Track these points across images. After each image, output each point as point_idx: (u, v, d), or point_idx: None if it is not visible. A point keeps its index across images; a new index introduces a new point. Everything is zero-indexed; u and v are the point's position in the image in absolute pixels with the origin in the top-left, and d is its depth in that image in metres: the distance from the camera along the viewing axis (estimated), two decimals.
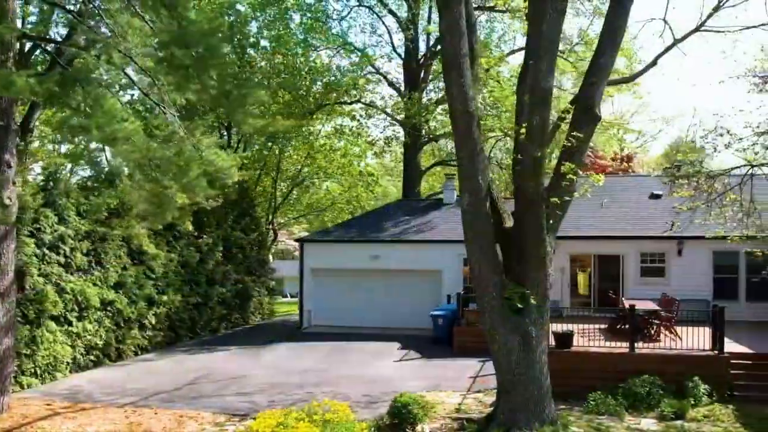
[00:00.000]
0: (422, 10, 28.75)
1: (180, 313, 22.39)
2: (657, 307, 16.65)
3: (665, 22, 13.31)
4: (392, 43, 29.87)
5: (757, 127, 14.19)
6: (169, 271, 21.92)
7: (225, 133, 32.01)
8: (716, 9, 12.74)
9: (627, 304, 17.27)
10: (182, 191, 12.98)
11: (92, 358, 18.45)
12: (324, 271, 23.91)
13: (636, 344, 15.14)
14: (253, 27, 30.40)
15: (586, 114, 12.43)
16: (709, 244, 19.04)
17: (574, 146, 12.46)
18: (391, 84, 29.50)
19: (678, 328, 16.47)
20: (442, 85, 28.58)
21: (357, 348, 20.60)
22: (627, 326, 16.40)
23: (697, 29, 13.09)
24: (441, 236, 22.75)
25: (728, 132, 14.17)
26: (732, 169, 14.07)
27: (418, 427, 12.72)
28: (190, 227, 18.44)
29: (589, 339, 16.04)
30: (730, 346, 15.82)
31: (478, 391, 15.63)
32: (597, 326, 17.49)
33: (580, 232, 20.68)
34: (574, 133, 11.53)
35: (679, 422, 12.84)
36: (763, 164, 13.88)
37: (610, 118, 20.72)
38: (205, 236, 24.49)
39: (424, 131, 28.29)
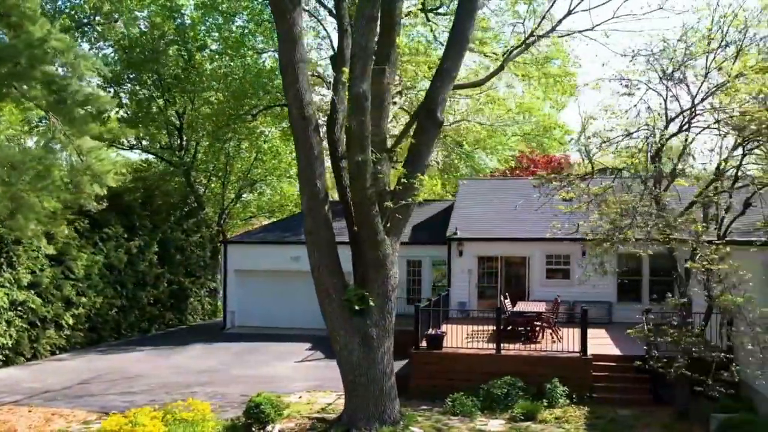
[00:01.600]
0: None
1: (103, 315, 22.73)
2: (540, 309, 16.73)
3: (522, 24, 13.40)
4: (333, 46, 29.98)
5: (625, 129, 14.26)
6: (93, 272, 22.27)
7: (177, 135, 32.43)
8: (569, 13, 12.82)
9: (508, 306, 17.41)
10: (39, 195, 13.26)
11: (1, 357, 18.84)
12: (247, 273, 24.20)
13: (516, 345, 15.30)
14: (203, 30, 30.70)
15: (428, 119, 12.61)
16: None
17: (416, 151, 12.70)
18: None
19: (568, 330, 16.55)
20: None
21: (267, 348, 20.88)
22: (512, 328, 16.55)
23: (547, 33, 13.17)
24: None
25: (595, 134, 14.26)
26: (594, 171, 14.09)
27: (269, 427, 12.93)
28: (66, 232, 18.58)
29: (472, 340, 16.13)
30: (607, 348, 15.93)
31: None
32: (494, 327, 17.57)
33: (488, 234, 20.78)
34: (411, 138, 11.70)
35: (526, 424, 12.95)
36: (626, 167, 13.94)
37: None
38: (137, 238, 24.84)
39: None
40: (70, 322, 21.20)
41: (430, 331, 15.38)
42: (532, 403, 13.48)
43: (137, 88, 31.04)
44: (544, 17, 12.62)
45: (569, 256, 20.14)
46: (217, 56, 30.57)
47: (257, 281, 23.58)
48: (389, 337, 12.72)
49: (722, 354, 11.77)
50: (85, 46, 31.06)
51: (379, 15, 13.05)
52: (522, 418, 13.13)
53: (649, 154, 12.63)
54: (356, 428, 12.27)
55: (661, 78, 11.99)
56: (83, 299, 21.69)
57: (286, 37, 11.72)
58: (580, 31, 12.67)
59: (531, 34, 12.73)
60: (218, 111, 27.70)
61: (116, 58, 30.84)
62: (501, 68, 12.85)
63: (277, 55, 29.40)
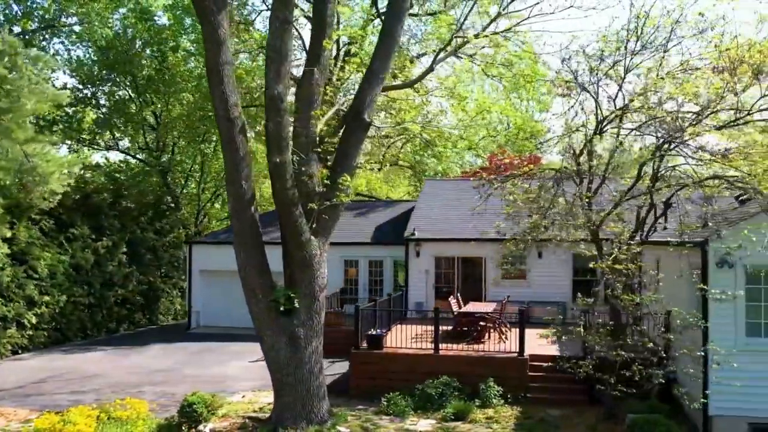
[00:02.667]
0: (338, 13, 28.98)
1: (68, 314, 22.90)
2: (488, 310, 16.78)
3: (460, 28, 13.44)
4: (305, 47, 30.02)
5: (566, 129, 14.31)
6: (57, 272, 22.44)
7: (154, 135, 32.61)
8: (497, 16, 12.87)
9: (455, 306, 17.46)
10: None
11: None
12: (211, 273, 24.33)
13: (459, 346, 15.35)
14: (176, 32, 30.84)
15: (355, 120, 12.70)
16: (569, 246, 19.06)
17: (343, 152, 12.80)
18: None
19: (517, 331, 16.58)
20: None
21: (226, 348, 21.02)
22: (459, 329, 16.62)
23: (476, 36, 13.22)
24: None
25: (532, 135, 14.32)
26: (537, 172, 14.15)
27: (201, 426, 13.03)
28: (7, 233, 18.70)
29: (419, 341, 16.18)
30: (549, 348, 15.94)
31: None
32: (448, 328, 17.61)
33: (445, 235, 20.84)
34: (330, 139, 11.77)
35: (456, 423, 13.00)
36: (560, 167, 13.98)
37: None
38: (105, 238, 25.00)
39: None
40: (33, 321, 21.36)
41: (371, 331, 15.44)
42: (465, 403, 13.54)
43: (114, 88, 31.24)
44: (461, 26, 12.64)
45: (525, 258, 20.14)
46: (191, 57, 30.77)
47: (222, 281, 23.68)
48: (317, 336, 12.82)
49: (632, 354, 11.80)
50: (59, 46, 31.32)
51: (312, 17, 13.28)
52: (453, 417, 13.18)
53: (575, 153, 12.67)
54: (282, 427, 12.37)
55: (580, 83, 12.02)
56: (46, 298, 21.85)
57: (210, 40, 11.79)
58: (501, 32, 12.70)
59: (452, 38, 12.80)
60: (190, 111, 27.85)
61: (95, 59, 31.07)
62: (431, 69, 12.91)
63: (249, 56, 29.80)
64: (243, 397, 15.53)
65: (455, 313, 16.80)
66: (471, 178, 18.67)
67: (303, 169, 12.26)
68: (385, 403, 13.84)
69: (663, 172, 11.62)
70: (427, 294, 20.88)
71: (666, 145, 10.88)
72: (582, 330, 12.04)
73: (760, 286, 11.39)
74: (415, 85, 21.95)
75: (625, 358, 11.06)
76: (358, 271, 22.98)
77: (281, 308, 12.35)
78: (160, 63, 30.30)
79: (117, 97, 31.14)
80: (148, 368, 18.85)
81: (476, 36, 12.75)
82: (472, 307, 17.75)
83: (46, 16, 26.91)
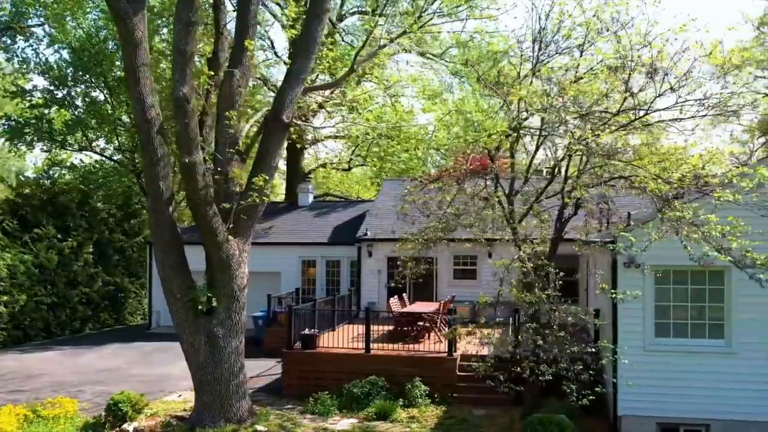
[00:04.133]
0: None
1: (30, 314, 23.06)
2: (428, 310, 16.80)
3: (373, 28, 13.42)
4: (273, 47, 30.23)
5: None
6: (18, 271, 22.60)
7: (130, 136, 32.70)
8: (417, 21, 12.91)
9: (395, 307, 17.49)
10: None
11: None
12: None
13: (395, 345, 15.37)
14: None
15: (275, 121, 12.76)
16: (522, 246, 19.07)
17: (263, 153, 12.87)
18: (273, 88, 29.89)
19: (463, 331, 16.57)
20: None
21: (177, 348, 20.92)
22: (404, 328, 16.65)
23: (392, 40, 13.24)
24: (281, 238, 23.15)
25: (458, 136, 14.35)
26: (463, 172, 14.18)
27: (125, 425, 13.12)
28: None
29: (359, 341, 16.20)
30: (481, 348, 15.92)
31: None
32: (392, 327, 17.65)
33: (395, 235, 20.82)
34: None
35: (377, 423, 13.03)
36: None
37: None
38: (70, 239, 25.17)
39: (308, 135, 28.65)
40: None
41: (306, 331, 15.49)
42: (389, 402, 13.57)
43: (88, 89, 31.40)
44: (371, 34, 12.64)
45: (476, 257, 20.18)
46: (161, 57, 30.86)
47: None
48: (237, 336, 12.87)
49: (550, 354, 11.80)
50: (27, 49, 31.49)
51: (236, 19, 13.37)
52: (375, 417, 13.22)
53: (489, 153, 12.72)
54: (201, 426, 12.45)
55: (488, 85, 12.05)
56: (5, 297, 22.01)
57: (127, 41, 11.85)
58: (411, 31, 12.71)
59: (366, 41, 12.86)
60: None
61: (69, 60, 31.25)
62: (352, 70, 12.94)
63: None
64: (179, 396, 15.59)
65: (395, 314, 16.82)
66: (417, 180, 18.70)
67: (219, 169, 12.34)
68: (312, 402, 13.90)
69: (572, 172, 11.64)
70: (379, 294, 20.92)
71: (576, 146, 10.88)
72: (492, 332, 12.05)
73: (668, 286, 11.39)
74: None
75: (545, 359, 11.02)
76: (316, 271, 23.07)
77: (199, 308, 12.42)
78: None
79: (89, 98, 31.25)
80: (96, 368, 18.98)
81: (391, 40, 12.79)
82: (418, 307, 17.78)
83: (3, 18, 27.05)
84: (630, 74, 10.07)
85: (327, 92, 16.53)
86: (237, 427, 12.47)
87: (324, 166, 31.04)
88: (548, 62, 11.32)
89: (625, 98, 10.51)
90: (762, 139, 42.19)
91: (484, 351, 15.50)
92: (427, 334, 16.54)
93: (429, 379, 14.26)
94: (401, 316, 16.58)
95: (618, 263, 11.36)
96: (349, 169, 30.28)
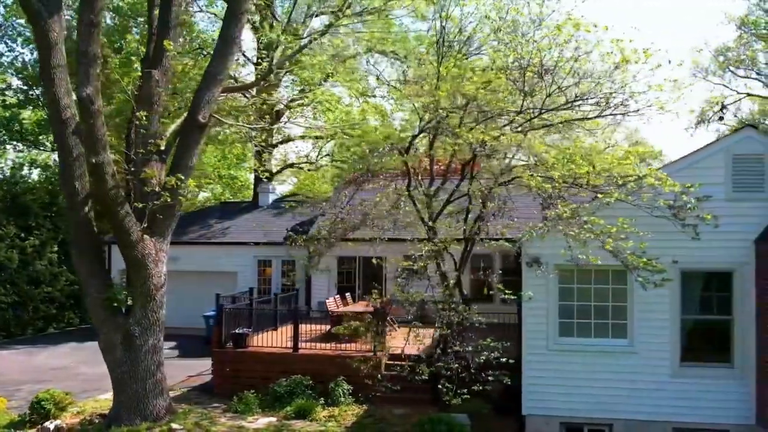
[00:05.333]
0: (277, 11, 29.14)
1: None
2: (362, 309, 16.83)
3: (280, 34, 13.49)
4: (240, 48, 30.23)
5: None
6: None
7: None
8: (330, 25, 12.99)
9: (331, 306, 17.54)
10: None
11: None
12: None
13: (327, 345, 15.42)
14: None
15: (191, 121, 12.84)
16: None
17: (180, 153, 12.95)
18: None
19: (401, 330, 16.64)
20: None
21: None
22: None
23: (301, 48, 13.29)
24: (237, 239, 23.25)
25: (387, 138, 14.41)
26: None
27: (48, 423, 13.22)
28: None
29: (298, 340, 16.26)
30: (410, 347, 15.95)
31: (171, 389, 16.04)
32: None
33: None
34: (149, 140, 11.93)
35: (295, 421, 13.09)
36: None
37: None
38: (32, 238, 25.35)
39: (276, 135, 28.71)
40: None
41: (237, 330, 15.57)
42: (310, 401, 13.63)
43: None
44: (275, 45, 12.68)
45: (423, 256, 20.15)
46: (134, 58, 31.04)
47: None
48: (154, 335, 12.95)
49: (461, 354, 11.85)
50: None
51: (158, 19, 13.46)
52: (294, 416, 13.29)
53: (401, 152, 12.80)
54: (116, 424, 12.54)
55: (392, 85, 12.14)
56: None
57: (42, 43, 11.93)
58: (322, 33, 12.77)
59: (276, 43, 12.95)
60: (118, 112, 28.09)
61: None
62: (270, 71, 13.01)
63: (185, 59, 30.02)
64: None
65: (331, 313, 16.88)
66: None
67: (133, 169, 12.43)
68: (236, 401, 13.98)
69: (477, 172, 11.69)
70: (329, 292, 20.96)
71: (479, 148, 10.92)
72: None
73: (573, 285, 11.40)
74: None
75: (460, 359, 11.06)
76: (272, 271, 23.17)
77: (114, 306, 12.52)
78: (103, 65, 30.58)
79: None
80: (47, 366, 19.13)
81: (301, 48, 12.89)
82: (358, 306, 17.84)
83: None
84: (524, 75, 10.08)
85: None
86: (152, 425, 12.55)
87: (291, 166, 31.19)
88: (453, 62, 11.33)
89: (524, 99, 10.53)
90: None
91: (415, 351, 15.60)
92: (367, 333, 16.56)
93: (354, 378, 14.29)
94: (336, 316, 16.62)
95: (523, 263, 11.38)
96: (317, 169, 30.40)
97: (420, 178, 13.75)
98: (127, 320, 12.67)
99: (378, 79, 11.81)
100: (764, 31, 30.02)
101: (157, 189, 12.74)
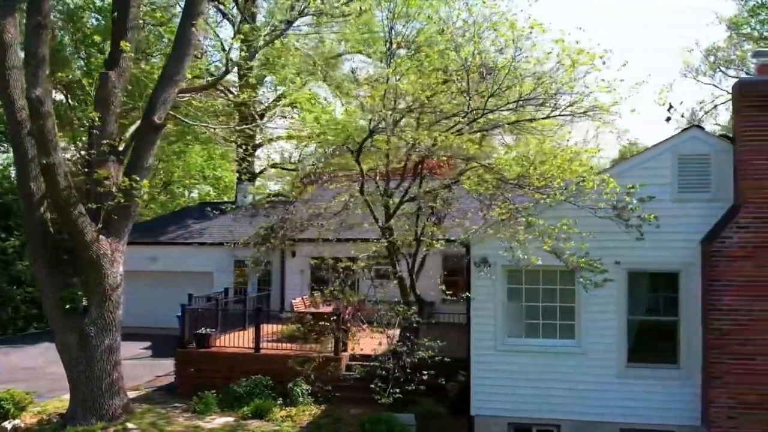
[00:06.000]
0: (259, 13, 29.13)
1: None
2: (327, 310, 16.86)
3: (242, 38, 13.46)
4: (223, 46, 30.26)
5: None
6: None
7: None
8: (276, 31, 13.00)
9: (299, 307, 17.57)
10: None
11: None
12: None
13: (290, 345, 15.47)
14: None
15: (147, 122, 12.90)
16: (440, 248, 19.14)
17: (136, 154, 13.01)
18: (224, 90, 30.00)
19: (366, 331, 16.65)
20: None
21: None
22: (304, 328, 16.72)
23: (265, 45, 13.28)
24: (215, 238, 23.28)
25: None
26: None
27: (5, 423, 13.30)
28: None
29: (262, 341, 16.28)
30: (373, 348, 15.95)
31: (136, 389, 16.13)
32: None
33: (321, 235, 20.90)
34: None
35: (251, 421, 13.15)
36: None
37: None
38: (12, 238, 25.45)
39: (258, 136, 28.75)
40: None
41: (201, 330, 15.61)
42: (268, 401, 13.67)
43: None
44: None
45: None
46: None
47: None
48: (111, 335, 13.00)
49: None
50: None
51: (116, 20, 13.50)
52: (251, 416, 13.33)
53: (353, 152, 12.89)
54: (72, 424, 12.60)
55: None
56: None
57: None
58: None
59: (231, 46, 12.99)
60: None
61: None
62: (227, 72, 13.06)
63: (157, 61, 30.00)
64: None
65: (297, 313, 16.92)
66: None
67: (86, 170, 12.48)
68: (195, 401, 14.02)
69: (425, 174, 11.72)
70: (302, 293, 20.99)
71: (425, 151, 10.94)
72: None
73: (521, 286, 11.40)
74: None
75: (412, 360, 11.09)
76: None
77: (68, 306, 12.57)
78: (87, 66, 30.71)
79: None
80: (18, 366, 19.22)
81: (255, 51, 12.90)
82: (326, 307, 17.85)
83: None
84: (469, 76, 10.08)
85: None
86: (107, 425, 12.61)
87: (274, 166, 31.26)
88: (401, 63, 11.34)
89: (469, 99, 10.52)
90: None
91: (378, 351, 15.61)
92: (331, 334, 16.59)
93: (314, 378, 14.29)
94: (302, 316, 16.64)
95: (471, 263, 11.39)
96: (298, 169, 30.44)
97: (378, 178, 13.78)
98: (82, 320, 12.72)
99: (324, 80, 11.79)
100: (747, 32, 29.91)
101: (113, 189, 12.80)
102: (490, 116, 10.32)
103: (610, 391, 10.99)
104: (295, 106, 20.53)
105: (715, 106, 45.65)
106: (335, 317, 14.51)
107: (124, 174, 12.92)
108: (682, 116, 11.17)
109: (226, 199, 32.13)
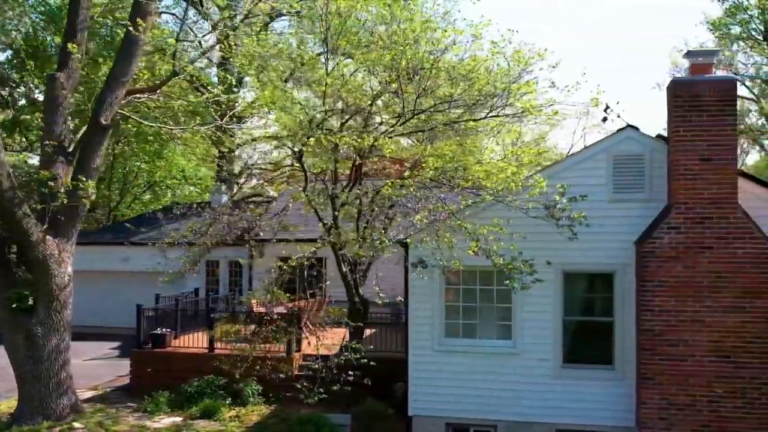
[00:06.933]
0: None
1: None
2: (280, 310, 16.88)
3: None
4: (200, 44, 30.33)
5: None
6: None
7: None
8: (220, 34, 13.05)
9: (256, 308, 17.58)
10: None
11: None
12: (80, 273, 24.72)
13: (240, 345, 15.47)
14: None
15: (94, 123, 12.96)
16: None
17: (83, 155, 13.06)
18: (204, 87, 30.04)
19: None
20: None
21: (75, 348, 21.20)
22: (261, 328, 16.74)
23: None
24: (184, 239, 23.34)
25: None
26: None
27: None
28: None
29: (223, 340, 16.32)
30: (330, 348, 15.96)
31: (95, 388, 16.19)
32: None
33: (288, 235, 20.94)
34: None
35: (198, 421, 13.19)
36: None
37: None
38: None
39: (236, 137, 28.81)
40: None
41: (157, 330, 15.67)
42: (218, 401, 13.71)
43: (27, 91, 31.90)
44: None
45: (365, 257, 20.20)
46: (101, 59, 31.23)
47: (90, 281, 24.14)
48: (58, 335, 13.06)
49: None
50: None
51: (67, 22, 13.56)
52: (199, 415, 13.38)
53: (295, 153, 12.90)
54: (18, 423, 12.66)
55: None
56: None
57: None
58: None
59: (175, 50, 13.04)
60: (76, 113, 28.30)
61: (10, 59, 31.90)
62: (174, 74, 13.09)
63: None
64: None
65: (258, 314, 16.93)
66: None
67: (32, 171, 12.52)
68: (147, 401, 14.08)
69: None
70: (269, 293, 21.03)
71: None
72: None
73: (459, 286, 11.40)
74: None
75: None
76: (220, 271, 23.31)
77: (15, 306, 12.63)
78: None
79: (29, 100, 31.76)
80: None
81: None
82: (282, 307, 17.88)
83: None
84: (400, 76, 10.10)
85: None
86: (53, 425, 12.66)
87: (252, 167, 31.28)
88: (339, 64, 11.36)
89: (404, 101, 10.54)
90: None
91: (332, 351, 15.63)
92: (289, 333, 16.61)
93: (266, 378, 14.33)
94: (257, 316, 16.63)
95: (408, 263, 11.39)
96: (277, 169, 30.50)
97: (326, 179, 13.82)
98: (29, 320, 12.78)
99: (264, 81, 11.79)
100: (723, 31, 29.81)
101: (62, 190, 12.85)
102: (422, 117, 10.32)
103: (546, 391, 10.98)
104: (264, 106, 20.64)
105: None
106: (289, 317, 14.54)
107: (72, 175, 12.97)
108: (618, 116, 10.92)
109: (193, 201, 32.22)
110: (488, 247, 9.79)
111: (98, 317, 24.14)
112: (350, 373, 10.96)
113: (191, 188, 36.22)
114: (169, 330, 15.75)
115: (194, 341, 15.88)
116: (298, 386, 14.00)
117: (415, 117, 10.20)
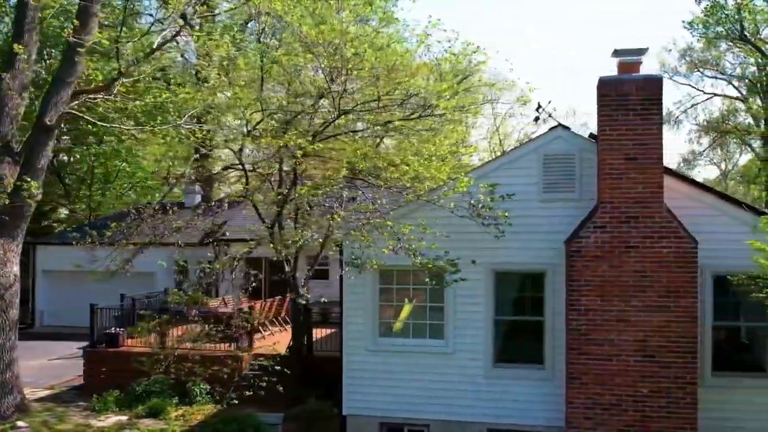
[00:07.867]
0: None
1: None
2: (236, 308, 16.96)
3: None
4: (179, 44, 30.49)
5: None
6: None
7: None
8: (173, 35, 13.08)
9: (210, 305, 17.66)
10: None
11: None
12: (56, 273, 24.94)
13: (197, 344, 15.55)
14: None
15: (39, 124, 13.03)
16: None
17: (28, 155, 13.14)
18: (179, 85, 30.12)
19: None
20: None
21: (44, 347, 21.49)
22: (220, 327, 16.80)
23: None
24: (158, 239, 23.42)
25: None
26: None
27: None
28: None
29: (181, 340, 16.37)
30: (280, 346, 15.94)
31: (51, 387, 16.25)
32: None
33: (252, 235, 20.96)
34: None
35: (143, 420, 13.24)
36: None
37: None
38: None
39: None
40: None
41: (111, 329, 15.74)
42: (165, 400, 13.75)
43: None
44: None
45: (327, 258, 20.24)
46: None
47: (65, 281, 24.27)
48: (4, 334, 13.14)
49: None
50: None
51: (14, 23, 13.62)
52: (145, 415, 13.43)
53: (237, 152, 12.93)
54: None
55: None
56: None
57: None
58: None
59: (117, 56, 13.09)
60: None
61: None
62: (121, 74, 13.13)
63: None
64: None
65: (215, 314, 17.00)
66: None
67: None
68: (95, 400, 14.14)
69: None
70: (233, 293, 21.07)
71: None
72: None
73: (392, 286, 11.41)
74: None
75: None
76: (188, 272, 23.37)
77: None
78: (48, 67, 30.97)
79: None
80: None
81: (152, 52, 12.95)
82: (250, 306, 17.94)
83: None
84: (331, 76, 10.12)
85: None
86: None
87: (227, 168, 31.30)
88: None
89: (339, 99, 10.56)
90: None
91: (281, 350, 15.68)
92: (242, 332, 16.65)
93: (216, 377, 14.38)
94: (205, 314, 16.68)
95: (342, 262, 11.41)
96: (254, 170, 30.49)
97: (273, 180, 13.89)
98: None
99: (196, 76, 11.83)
100: (701, 31, 29.68)
101: (8, 190, 12.94)
102: (351, 116, 10.34)
103: (478, 391, 10.98)
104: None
105: (692, 106, 45.41)
106: (235, 316, 14.59)
107: (18, 175, 13.04)
108: (550, 116, 10.91)
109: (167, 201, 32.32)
110: (408, 246, 9.79)
111: (74, 317, 24.23)
112: (265, 378, 10.95)
113: (176, 190, 36.29)
114: (122, 329, 15.81)
115: (148, 340, 15.92)
116: (245, 385, 14.25)
117: (342, 117, 10.22)
